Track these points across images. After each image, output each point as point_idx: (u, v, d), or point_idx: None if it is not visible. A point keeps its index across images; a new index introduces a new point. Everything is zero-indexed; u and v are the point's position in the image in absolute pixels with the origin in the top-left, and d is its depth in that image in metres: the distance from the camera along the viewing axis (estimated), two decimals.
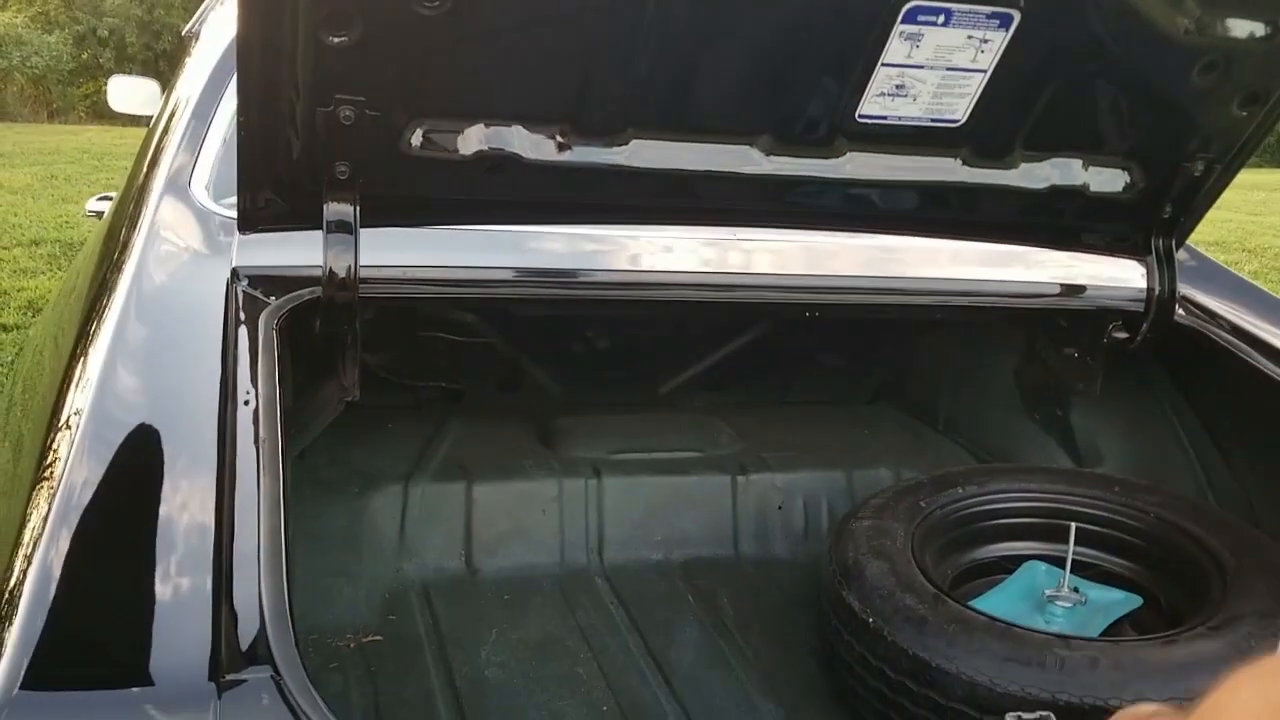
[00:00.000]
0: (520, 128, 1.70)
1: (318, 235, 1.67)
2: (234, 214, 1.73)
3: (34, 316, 5.65)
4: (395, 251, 1.79)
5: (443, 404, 2.51)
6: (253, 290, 1.67)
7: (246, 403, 1.37)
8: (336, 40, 1.48)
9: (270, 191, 1.65)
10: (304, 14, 1.45)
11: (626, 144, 1.75)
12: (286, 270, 1.72)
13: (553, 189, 1.77)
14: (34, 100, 19.77)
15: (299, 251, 1.70)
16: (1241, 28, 1.76)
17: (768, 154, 1.83)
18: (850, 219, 2.02)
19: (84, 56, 21.71)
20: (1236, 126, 1.91)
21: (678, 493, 2.33)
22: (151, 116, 4.23)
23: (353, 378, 1.80)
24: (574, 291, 1.97)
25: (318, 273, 1.68)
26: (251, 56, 1.48)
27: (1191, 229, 2.11)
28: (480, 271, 1.91)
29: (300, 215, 1.68)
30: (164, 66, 22.35)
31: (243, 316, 1.59)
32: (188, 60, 2.65)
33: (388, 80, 1.58)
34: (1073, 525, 1.93)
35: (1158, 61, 1.80)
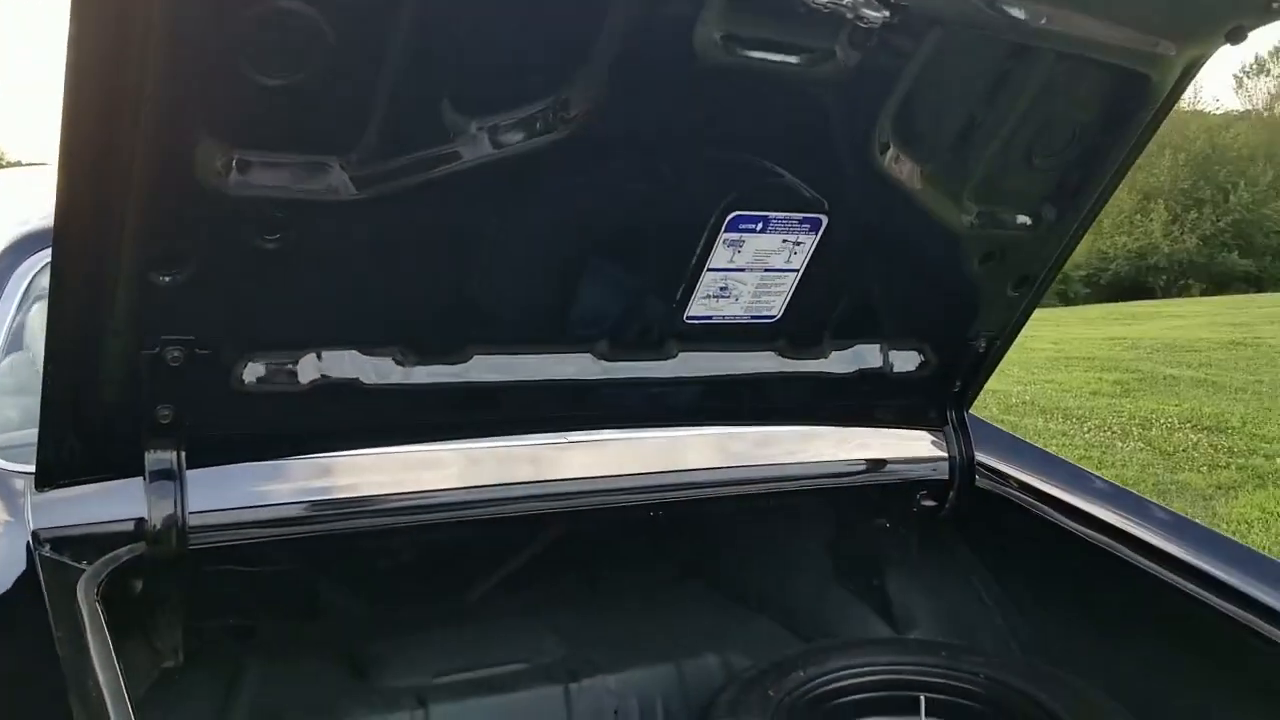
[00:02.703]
0: (357, 353, 1.62)
1: (132, 484, 1.50)
2: (26, 468, 1.52)
3: None
4: (225, 491, 1.63)
5: (232, 643, 2.27)
6: (59, 555, 1.47)
7: (89, 695, 1.18)
8: (166, 279, 1.37)
9: (76, 441, 1.47)
10: (129, 253, 1.33)
11: (468, 360, 1.71)
12: (97, 527, 1.52)
13: (394, 411, 1.69)
14: None
15: (111, 504, 1.52)
16: (1011, 220, 1.95)
17: (604, 359, 1.83)
18: (680, 414, 2.05)
19: None
20: (1011, 305, 2.11)
21: (511, 711, 2.20)
22: None
23: (175, 640, 1.60)
24: (421, 517, 1.86)
25: (133, 526, 1.50)
26: (65, 300, 1.34)
27: (975, 399, 2.28)
28: (320, 507, 1.76)
29: (110, 464, 1.51)
30: None
31: (56, 589, 1.38)
32: None
33: (219, 316, 1.47)
34: (922, 697, 1.97)
35: (947, 255, 1.96)
